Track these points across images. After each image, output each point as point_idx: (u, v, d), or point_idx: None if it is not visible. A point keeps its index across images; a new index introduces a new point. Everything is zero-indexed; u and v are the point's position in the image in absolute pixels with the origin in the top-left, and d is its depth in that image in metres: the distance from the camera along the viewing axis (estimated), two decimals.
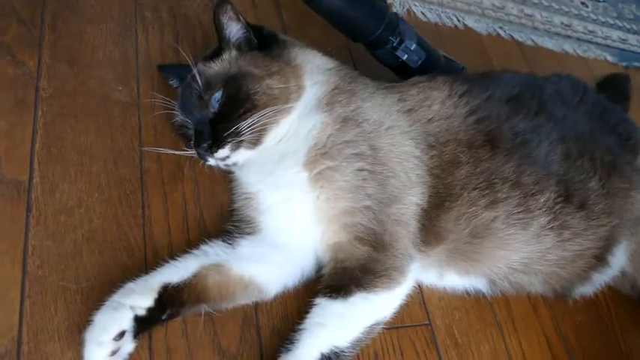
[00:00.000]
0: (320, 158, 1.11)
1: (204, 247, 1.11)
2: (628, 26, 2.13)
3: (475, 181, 1.16)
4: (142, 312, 0.99)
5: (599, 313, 1.37)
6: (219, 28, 1.18)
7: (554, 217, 1.18)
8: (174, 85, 1.33)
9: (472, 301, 1.27)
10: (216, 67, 1.18)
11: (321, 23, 1.60)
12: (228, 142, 1.13)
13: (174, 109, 1.22)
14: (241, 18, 1.18)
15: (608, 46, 2.01)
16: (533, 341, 1.27)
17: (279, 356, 1.02)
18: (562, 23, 1.99)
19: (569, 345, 1.29)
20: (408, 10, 1.77)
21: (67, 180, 1.17)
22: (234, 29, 1.18)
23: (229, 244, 1.12)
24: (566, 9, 2.04)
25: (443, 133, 1.19)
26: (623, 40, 2.07)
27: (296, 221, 1.14)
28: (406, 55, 1.38)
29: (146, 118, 1.30)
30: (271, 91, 1.14)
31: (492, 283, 1.22)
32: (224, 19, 1.17)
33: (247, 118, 1.12)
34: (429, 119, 1.20)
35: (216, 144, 1.12)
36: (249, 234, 1.15)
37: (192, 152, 1.18)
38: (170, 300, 1.02)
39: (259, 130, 1.13)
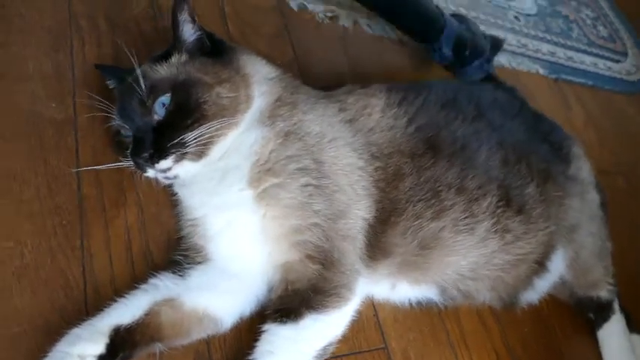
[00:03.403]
0: (264, 175, 1.06)
1: (153, 281, 1.04)
2: (556, 40, 2.22)
3: (420, 193, 1.15)
4: None
5: (543, 322, 1.41)
6: (174, 28, 1.11)
7: (497, 220, 1.20)
8: (111, 86, 1.22)
9: (426, 319, 1.27)
10: (162, 70, 1.09)
11: (265, 34, 1.55)
12: (172, 152, 1.04)
13: (111, 113, 1.11)
14: (196, 20, 1.11)
15: (539, 58, 2.08)
16: (484, 357, 1.28)
17: None
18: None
19: (516, 357, 1.31)
20: (355, 22, 1.75)
21: None
22: (188, 31, 1.11)
23: (180, 275, 1.05)
24: (501, 22, 2.10)
25: (386, 145, 1.17)
26: (552, 53, 2.15)
27: (244, 244, 1.08)
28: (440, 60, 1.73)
29: (84, 137, 1.18)
30: (221, 101, 1.07)
31: (443, 292, 1.22)
32: (180, 18, 1.09)
33: (195, 129, 1.04)
34: (371, 129, 1.18)
35: (159, 154, 1.03)
36: (199, 263, 1.08)
37: (129, 163, 1.08)
38: (122, 343, 0.94)
39: (205, 143, 1.06)
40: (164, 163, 1.05)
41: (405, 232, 1.13)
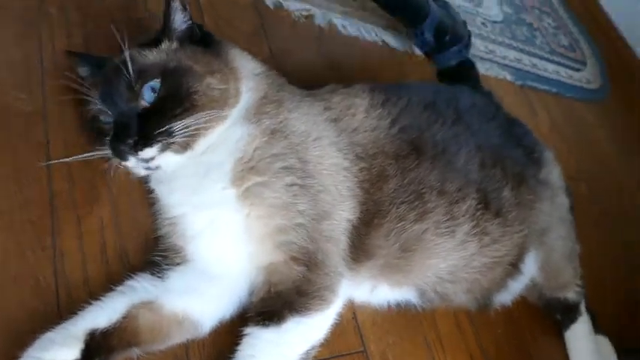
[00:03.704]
0: (247, 174, 1.03)
1: (130, 283, 0.99)
2: (521, 47, 2.26)
3: (403, 195, 1.14)
4: None
5: (514, 324, 1.42)
6: (166, 15, 1.07)
7: (477, 223, 1.20)
8: (84, 74, 1.15)
9: (403, 322, 1.26)
10: (152, 56, 1.05)
11: (242, 31, 1.52)
12: (159, 141, 0.99)
13: (88, 97, 1.05)
14: (188, 9, 1.08)
15: (506, 65, 2.11)
16: (460, 359, 1.29)
17: None
18: None
19: (489, 358, 1.32)
20: (329, 22, 1.74)
21: None
22: (180, 19, 1.08)
23: (159, 277, 1.01)
24: (470, 28, 2.11)
25: (371, 145, 1.16)
26: (518, 59, 2.19)
27: (226, 245, 1.05)
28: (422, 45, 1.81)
29: (54, 129, 1.12)
30: (211, 92, 1.04)
31: (422, 294, 1.22)
32: (173, 5, 1.06)
33: (183, 119, 1.00)
34: (355, 129, 1.17)
35: (144, 141, 0.98)
36: (178, 264, 1.04)
37: (105, 152, 1.02)
38: (98, 348, 0.90)
39: (192, 135, 1.02)
40: (149, 152, 1.00)
41: (389, 234, 1.12)
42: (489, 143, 1.33)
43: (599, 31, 2.66)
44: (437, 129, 1.26)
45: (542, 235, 1.35)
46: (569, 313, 1.45)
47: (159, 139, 0.99)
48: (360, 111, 1.19)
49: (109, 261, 1.04)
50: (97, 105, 1.04)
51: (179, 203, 1.06)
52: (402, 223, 1.12)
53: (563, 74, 2.31)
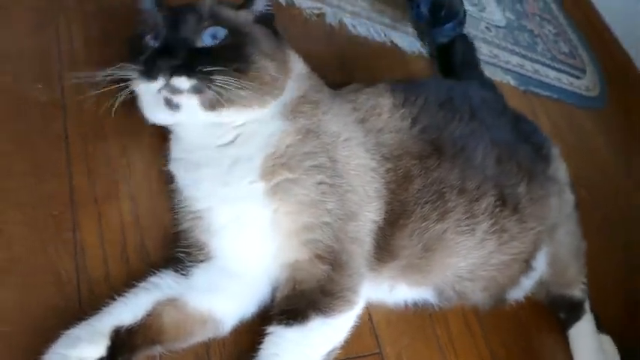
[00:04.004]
0: (278, 169, 1.02)
1: (153, 279, 0.97)
2: (524, 52, 2.28)
3: (427, 195, 1.15)
4: None
5: (522, 325, 1.43)
6: None
7: (495, 220, 1.21)
8: (146, 6, 1.10)
9: (417, 323, 1.26)
10: (230, 14, 1.07)
11: None
12: (199, 77, 0.95)
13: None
14: None
15: (509, 70, 2.12)
16: None
17: None
18: None
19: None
20: (340, 21, 1.74)
21: None
22: (262, 3, 1.11)
23: (183, 274, 0.99)
24: (474, 32, 2.13)
25: (396, 147, 1.16)
26: (521, 65, 2.20)
27: (252, 240, 1.03)
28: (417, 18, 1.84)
29: (72, 121, 1.09)
30: (264, 74, 1.03)
31: (440, 294, 1.22)
32: None
33: (230, 75, 0.97)
34: (380, 129, 1.17)
35: (184, 69, 0.95)
36: (202, 261, 1.02)
37: (127, 71, 0.97)
38: (122, 346, 0.88)
39: (226, 98, 0.98)
40: (183, 82, 0.96)
41: (412, 234, 1.12)
42: (503, 138, 1.34)
43: (597, 38, 2.69)
44: (454, 127, 1.26)
45: (551, 231, 1.36)
46: (573, 311, 1.47)
47: (200, 76, 0.96)
48: (384, 111, 1.19)
49: (129, 256, 1.02)
50: (149, 23, 1.04)
51: (204, 196, 1.04)
52: (426, 222, 1.13)
53: (565, 81, 2.33)
